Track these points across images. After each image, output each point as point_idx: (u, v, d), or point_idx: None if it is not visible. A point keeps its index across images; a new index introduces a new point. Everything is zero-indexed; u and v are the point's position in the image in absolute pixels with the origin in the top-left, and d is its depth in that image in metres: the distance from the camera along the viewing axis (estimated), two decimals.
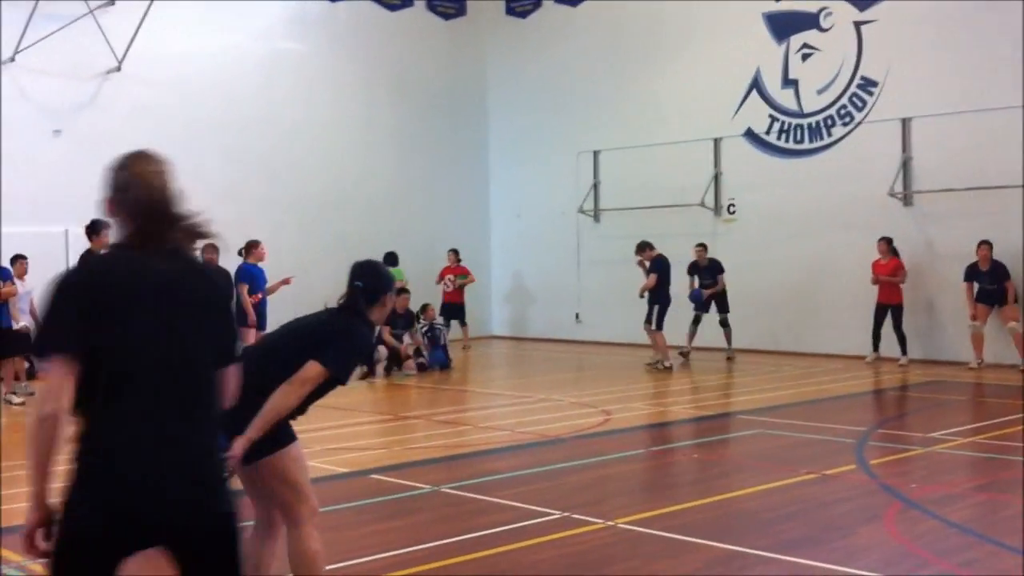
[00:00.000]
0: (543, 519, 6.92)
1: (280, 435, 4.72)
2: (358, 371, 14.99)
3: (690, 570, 5.89)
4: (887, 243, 15.60)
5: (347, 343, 4.80)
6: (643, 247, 16.03)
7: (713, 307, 16.57)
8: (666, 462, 9.11)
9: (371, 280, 4.97)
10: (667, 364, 15.34)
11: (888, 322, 15.53)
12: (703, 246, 16.70)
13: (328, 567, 5.71)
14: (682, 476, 8.57)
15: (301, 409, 4.83)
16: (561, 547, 6.33)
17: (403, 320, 15.56)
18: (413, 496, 7.72)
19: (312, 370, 4.64)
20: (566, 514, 7.00)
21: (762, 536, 6.47)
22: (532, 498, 7.58)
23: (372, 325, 5.00)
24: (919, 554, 6.09)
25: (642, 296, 15.84)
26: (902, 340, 15.41)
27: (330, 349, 4.69)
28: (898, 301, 15.48)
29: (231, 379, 3.17)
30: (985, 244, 14.77)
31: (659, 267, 15.70)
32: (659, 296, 15.63)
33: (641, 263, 16.07)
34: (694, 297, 16.51)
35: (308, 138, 18.97)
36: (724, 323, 16.53)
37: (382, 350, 14.90)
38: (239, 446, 4.43)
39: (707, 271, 16.57)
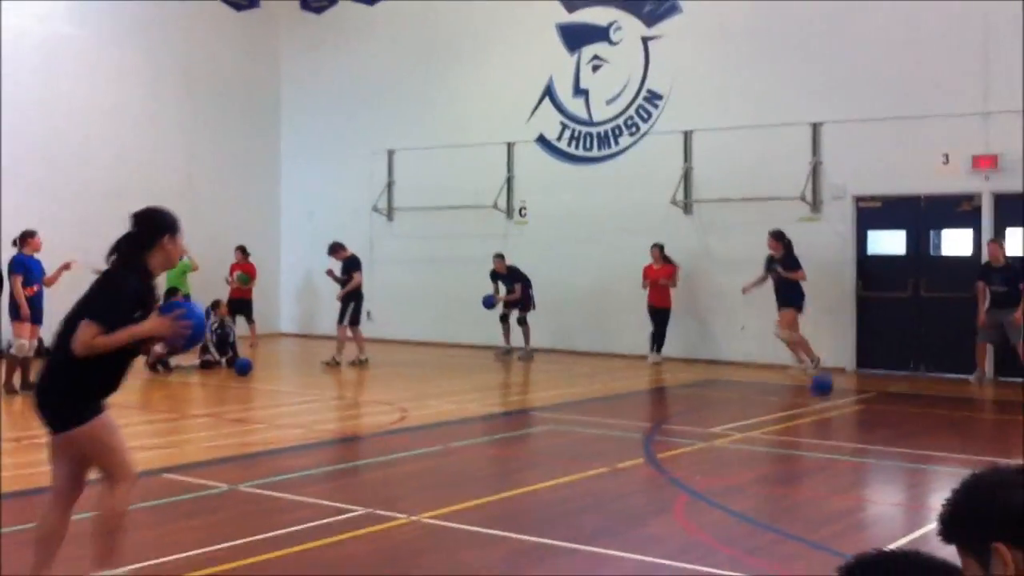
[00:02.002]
0: (346, 515, 6.89)
1: (88, 410, 4.79)
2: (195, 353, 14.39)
3: (496, 560, 6.02)
4: (659, 249, 16.34)
5: (108, 291, 4.85)
6: (335, 248, 16.42)
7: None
8: (464, 457, 9.22)
9: (143, 224, 4.97)
10: (338, 360, 15.68)
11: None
12: (500, 256, 17.06)
13: (127, 568, 5.52)
14: (481, 471, 8.71)
15: (109, 381, 4.89)
16: (367, 542, 6.32)
17: None
18: (209, 495, 7.52)
19: (82, 331, 4.69)
20: (369, 510, 6.99)
21: (562, 527, 6.67)
22: (333, 495, 7.54)
23: (147, 272, 4.96)
24: (708, 542, 6.43)
25: (339, 298, 16.13)
26: (661, 339, 16.31)
27: (95, 303, 4.79)
28: (668, 305, 16.29)
29: None
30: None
31: (357, 266, 16.19)
32: (356, 294, 16.07)
33: (330, 271, 16.45)
34: (485, 302, 16.85)
35: (90, 125, 18.12)
36: (521, 321, 16.90)
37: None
38: None
39: (506, 279, 16.92)
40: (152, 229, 4.96)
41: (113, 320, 4.75)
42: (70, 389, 4.83)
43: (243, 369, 14.55)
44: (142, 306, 4.91)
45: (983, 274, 13.97)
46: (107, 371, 4.87)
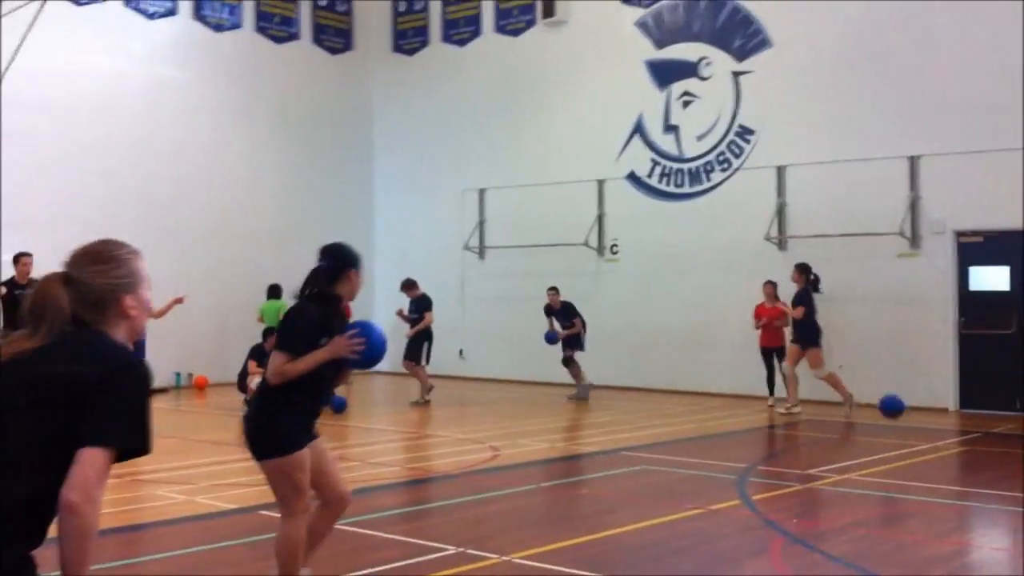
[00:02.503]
0: (437, 555, 6.90)
1: (286, 440, 5.23)
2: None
3: None
4: (773, 287, 15.49)
5: (291, 322, 5.41)
6: (407, 285, 16.41)
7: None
8: (556, 497, 9.18)
9: (331, 259, 5.48)
10: (427, 399, 15.69)
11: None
12: (555, 289, 16.85)
13: None
14: (572, 511, 8.65)
15: (314, 404, 5.41)
16: None
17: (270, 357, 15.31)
18: None
19: (272, 360, 5.24)
20: (460, 549, 6.99)
21: (653, 569, 6.58)
22: (425, 534, 7.55)
23: (332, 299, 5.42)
24: None
25: (409, 336, 16.02)
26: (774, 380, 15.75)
27: (282, 334, 5.36)
28: (782, 344, 15.43)
29: None
30: None
31: (428, 305, 16.09)
32: (426, 333, 16.01)
33: (400, 311, 16.36)
34: (548, 338, 16.70)
35: (188, 165, 18.70)
36: (567, 361, 16.62)
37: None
38: None
39: (560, 314, 16.72)
40: (340, 262, 5.49)
41: (298, 347, 5.20)
42: (268, 417, 5.27)
43: (339, 407, 14.71)
44: (327, 333, 5.27)
45: None
46: (303, 397, 5.28)
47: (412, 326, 16.15)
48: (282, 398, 5.23)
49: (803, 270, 14.68)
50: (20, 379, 2.67)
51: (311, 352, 5.18)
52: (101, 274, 2.83)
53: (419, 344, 16.02)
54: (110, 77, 17.79)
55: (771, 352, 15.62)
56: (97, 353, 2.71)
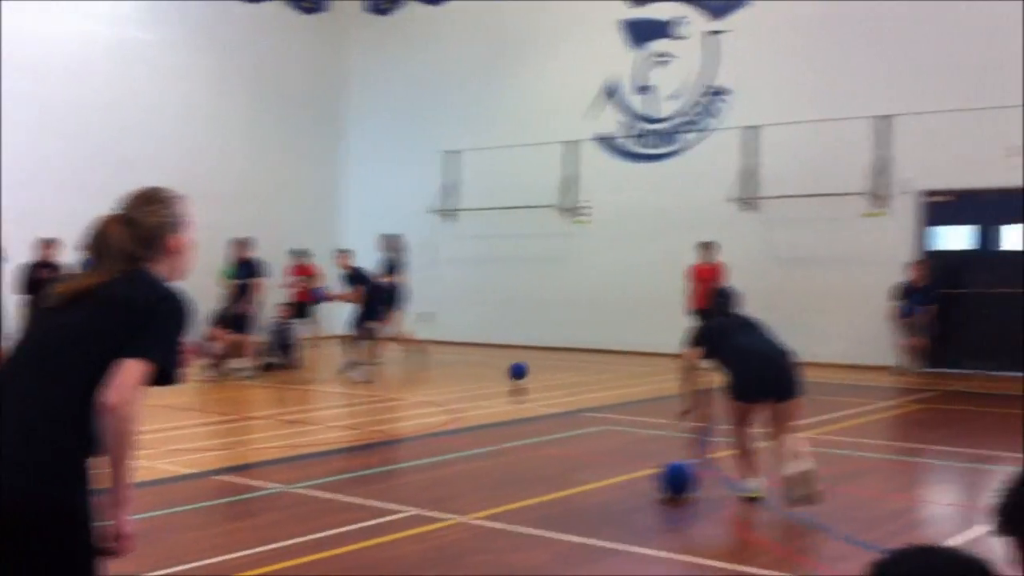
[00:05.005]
0: (395, 516, 6.91)
1: None
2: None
3: (544, 561, 5.99)
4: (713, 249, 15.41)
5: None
6: (342, 253, 15.66)
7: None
8: (516, 458, 9.20)
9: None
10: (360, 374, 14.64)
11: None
12: (344, 252, 15.86)
13: (176, 568, 5.61)
14: (532, 472, 8.67)
15: None
16: (415, 543, 6.33)
17: (234, 320, 15.23)
18: (261, 496, 7.59)
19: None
20: (418, 511, 7.00)
21: (611, 528, 6.61)
22: (384, 496, 7.56)
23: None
24: (758, 543, 6.33)
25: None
26: None
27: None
28: None
29: None
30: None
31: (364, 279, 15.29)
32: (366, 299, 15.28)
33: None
34: (317, 295, 16.31)
35: (158, 127, 18.54)
36: (361, 328, 15.27)
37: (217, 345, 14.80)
38: None
39: (353, 279, 15.58)
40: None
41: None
42: None
43: (519, 374, 14.06)
44: None
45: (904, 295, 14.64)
46: None
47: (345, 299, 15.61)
48: None
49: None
50: (87, 307, 2.91)
51: None
52: (153, 213, 3.09)
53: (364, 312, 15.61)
54: (79, 40, 17.55)
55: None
56: (147, 284, 2.99)
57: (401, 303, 16.03)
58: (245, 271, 15.31)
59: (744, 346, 7.25)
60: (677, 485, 7.23)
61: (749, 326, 7.53)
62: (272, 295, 17.03)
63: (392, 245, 16.17)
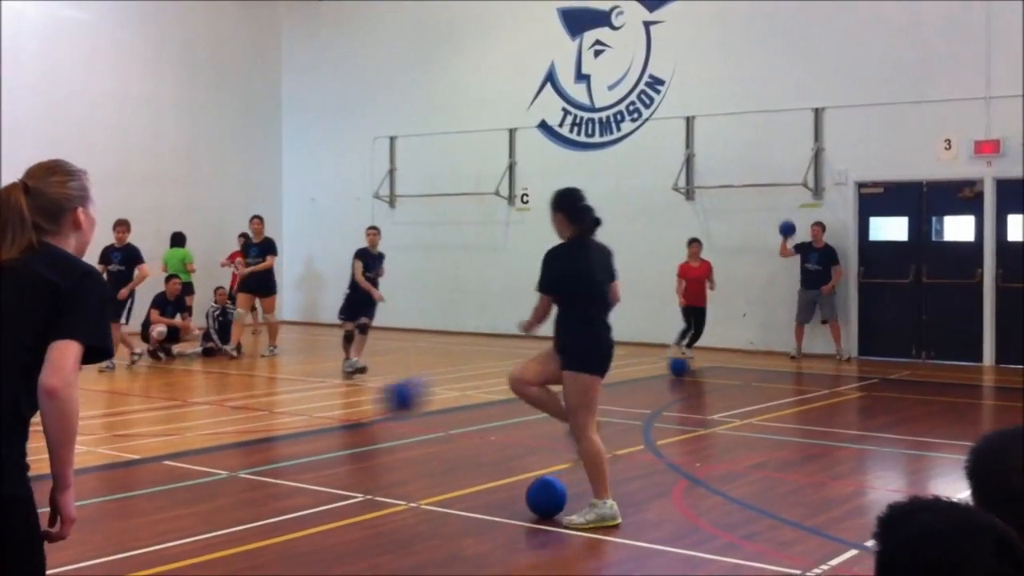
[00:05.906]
0: (345, 502, 6.91)
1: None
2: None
3: (495, 546, 6.03)
4: (699, 246, 15.30)
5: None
6: (256, 219, 16.30)
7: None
8: (465, 445, 9.23)
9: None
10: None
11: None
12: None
13: (121, 555, 5.56)
14: (481, 458, 8.71)
15: None
16: (365, 529, 6.34)
17: (172, 306, 15.30)
18: (209, 482, 7.54)
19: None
20: (368, 496, 7.01)
21: (562, 512, 6.67)
22: (332, 482, 7.55)
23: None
24: (705, 528, 6.44)
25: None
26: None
27: None
28: (704, 305, 15.20)
29: None
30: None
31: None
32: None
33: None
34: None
35: (90, 108, 18.15)
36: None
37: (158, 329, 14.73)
38: None
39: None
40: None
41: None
42: None
43: (679, 370, 13.85)
44: None
45: (800, 250, 15.24)
46: None
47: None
48: None
49: None
50: (7, 289, 2.85)
51: None
52: (59, 184, 3.02)
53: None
54: (7, 16, 17.11)
55: (693, 311, 15.19)
56: (66, 263, 2.92)
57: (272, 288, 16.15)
58: (124, 256, 14.38)
59: None
60: (402, 401, 7.20)
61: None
62: (198, 280, 16.85)
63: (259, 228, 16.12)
